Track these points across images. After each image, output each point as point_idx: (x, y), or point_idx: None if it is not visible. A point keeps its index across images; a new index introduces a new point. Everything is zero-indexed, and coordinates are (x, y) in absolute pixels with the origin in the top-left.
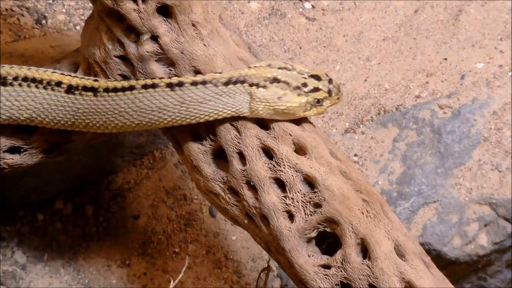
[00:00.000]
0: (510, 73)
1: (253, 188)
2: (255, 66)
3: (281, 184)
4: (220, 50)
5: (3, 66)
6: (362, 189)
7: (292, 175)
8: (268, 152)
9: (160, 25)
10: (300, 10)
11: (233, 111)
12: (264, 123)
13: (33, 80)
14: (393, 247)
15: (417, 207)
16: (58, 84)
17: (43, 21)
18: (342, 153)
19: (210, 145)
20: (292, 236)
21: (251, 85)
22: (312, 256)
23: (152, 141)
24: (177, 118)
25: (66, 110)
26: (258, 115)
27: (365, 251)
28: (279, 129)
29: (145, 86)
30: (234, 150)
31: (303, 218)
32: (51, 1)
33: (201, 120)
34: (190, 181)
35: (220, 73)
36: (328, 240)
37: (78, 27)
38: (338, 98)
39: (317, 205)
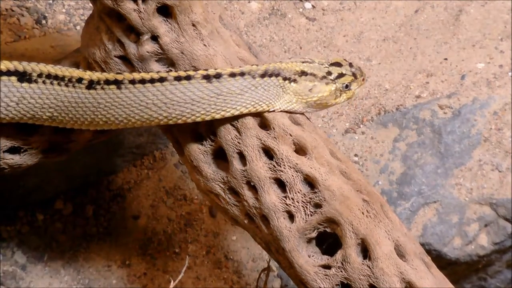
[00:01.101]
0: (510, 73)
1: (253, 188)
2: (281, 61)
3: (281, 184)
4: (220, 50)
5: (28, 63)
6: (362, 189)
7: (292, 175)
8: (268, 152)
9: (160, 25)
10: (300, 10)
11: (266, 104)
12: (264, 123)
13: (56, 77)
14: (393, 247)
15: (417, 207)
16: (79, 80)
17: (43, 21)
18: (342, 153)
19: (210, 145)
20: (292, 236)
21: (284, 79)
22: (313, 256)
23: (152, 141)
24: (212, 111)
25: (86, 106)
26: (290, 109)
27: (365, 251)
28: (279, 129)
29: (178, 78)
30: (234, 150)
31: (303, 218)
32: (51, 1)
33: (236, 113)
34: (190, 181)
35: (257, 65)
36: (328, 241)
37: (78, 27)
38: (363, 79)
39: (317, 205)
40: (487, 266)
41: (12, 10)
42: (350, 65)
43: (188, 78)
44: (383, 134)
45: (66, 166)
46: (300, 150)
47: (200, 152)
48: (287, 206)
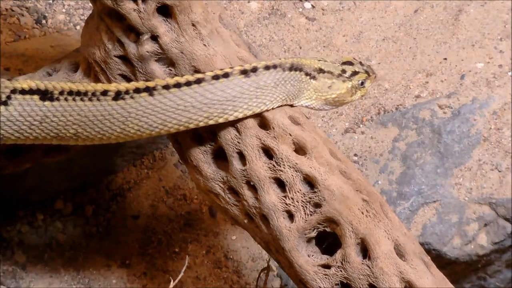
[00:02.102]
0: (510, 73)
1: (253, 188)
2: (300, 58)
3: (281, 184)
4: (220, 50)
5: (50, 82)
6: (362, 189)
7: (292, 175)
8: (268, 152)
9: (160, 25)
10: (300, 10)
11: (290, 98)
12: (264, 123)
13: (78, 93)
14: (393, 247)
15: (417, 207)
16: (104, 93)
17: (43, 21)
18: (342, 153)
19: (210, 145)
20: (292, 236)
21: (306, 74)
22: (312, 256)
23: (152, 141)
24: (254, 105)
25: (115, 118)
26: (308, 106)
27: (365, 251)
28: (279, 129)
29: (216, 77)
30: (234, 150)
31: (303, 218)
32: (51, 1)
33: (271, 107)
34: (190, 181)
35: (284, 59)
36: (328, 240)
37: (78, 27)
38: (375, 76)
39: (317, 205)
40: (486, 265)
41: (12, 10)
42: (361, 63)
43: (226, 75)
44: (382, 133)
45: (66, 166)
46: (300, 149)
47: (200, 151)
48: (286, 206)
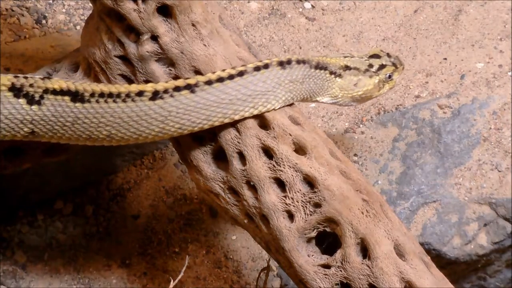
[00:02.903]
0: (509, 73)
1: (253, 188)
2: (326, 56)
3: (281, 184)
4: (220, 50)
5: (81, 83)
6: (362, 189)
7: (292, 175)
8: (268, 152)
9: (160, 25)
10: (300, 10)
11: (311, 95)
12: (264, 123)
13: (110, 95)
14: (393, 247)
15: (417, 206)
16: (140, 94)
17: (43, 21)
18: (342, 153)
19: (210, 145)
20: (292, 236)
21: (330, 73)
22: (312, 255)
23: None
24: (288, 97)
25: (152, 118)
26: (333, 103)
27: (365, 250)
28: (279, 129)
29: (257, 68)
30: (234, 150)
31: (303, 218)
32: (51, 1)
33: (296, 101)
34: (190, 181)
35: (308, 56)
36: (328, 240)
37: (78, 27)
38: (403, 68)
39: (317, 205)
40: (486, 265)
41: (12, 10)
42: (388, 55)
43: (266, 66)
44: (382, 133)
45: (66, 166)
46: (300, 149)
47: (200, 151)
48: (286, 206)
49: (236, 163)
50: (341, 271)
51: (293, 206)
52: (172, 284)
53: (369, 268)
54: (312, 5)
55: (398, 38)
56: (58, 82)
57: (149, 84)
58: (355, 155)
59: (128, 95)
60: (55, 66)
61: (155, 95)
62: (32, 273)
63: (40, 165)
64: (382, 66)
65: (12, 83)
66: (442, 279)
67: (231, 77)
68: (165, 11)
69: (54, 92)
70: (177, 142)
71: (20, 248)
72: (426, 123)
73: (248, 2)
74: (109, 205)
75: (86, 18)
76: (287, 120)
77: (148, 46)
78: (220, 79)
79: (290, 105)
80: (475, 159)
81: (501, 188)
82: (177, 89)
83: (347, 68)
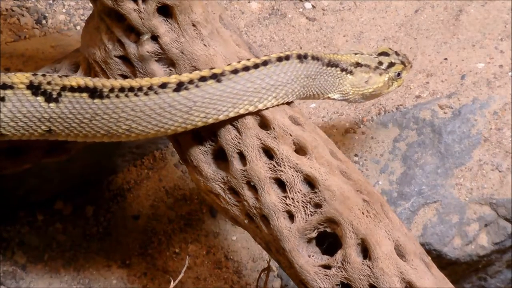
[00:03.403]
0: (510, 73)
1: (253, 188)
2: (336, 53)
3: (281, 184)
4: (220, 50)
5: (99, 79)
6: (362, 189)
7: (293, 175)
8: (269, 152)
9: (160, 25)
10: (301, 10)
11: (322, 92)
12: (264, 123)
13: (131, 89)
14: (393, 247)
15: (418, 207)
16: (163, 86)
17: (43, 21)
18: (342, 153)
19: (211, 145)
20: (293, 236)
21: (342, 70)
22: (313, 256)
23: (152, 141)
24: (300, 92)
25: (177, 109)
26: (343, 99)
27: (365, 251)
28: (279, 129)
29: (280, 59)
30: (234, 150)
31: (303, 218)
32: (51, 1)
33: (308, 96)
34: (190, 181)
35: (320, 53)
36: (328, 240)
37: (78, 27)
38: (411, 66)
39: (318, 205)
40: (487, 266)
41: (12, 10)
42: (396, 53)
43: (287, 58)
44: (383, 134)
45: (66, 166)
46: (300, 150)
47: (200, 152)
48: (287, 206)
49: (236, 164)
50: (341, 271)
51: (294, 206)
52: (172, 284)
53: (370, 268)
54: (312, 5)
55: (399, 38)
56: (75, 79)
57: (173, 76)
58: (356, 155)
59: (150, 88)
60: (55, 66)
61: (179, 86)
62: (32, 273)
63: (40, 165)
64: (391, 64)
65: (30, 81)
66: (443, 280)
67: (256, 66)
68: (166, 11)
69: (72, 89)
70: (177, 142)
71: (20, 249)
72: (427, 123)
73: (249, 2)
74: (109, 205)
75: (86, 18)
76: (287, 120)
77: (148, 46)
78: (246, 68)
79: (290, 104)
80: (476, 159)
81: (501, 189)
82: (202, 79)
83: (358, 65)
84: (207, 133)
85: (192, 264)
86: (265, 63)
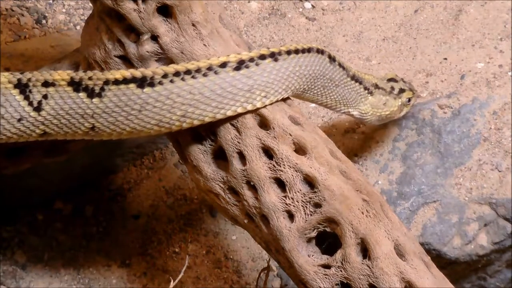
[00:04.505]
0: (510, 73)
1: (253, 188)
2: (359, 71)
3: (281, 184)
4: (220, 50)
5: (145, 68)
6: (362, 189)
7: (292, 175)
8: (268, 152)
9: (160, 25)
10: (300, 10)
11: (344, 105)
12: (264, 123)
13: (187, 72)
14: (393, 247)
15: (417, 207)
16: (223, 65)
17: (43, 21)
18: (342, 153)
19: (210, 145)
20: (292, 236)
21: (364, 88)
22: (312, 256)
23: (152, 140)
24: (322, 92)
25: (238, 88)
26: (359, 118)
27: (365, 251)
28: (279, 129)
29: (319, 51)
30: (234, 150)
31: (303, 218)
32: (51, 1)
33: (331, 107)
34: (190, 181)
35: (346, 65)
36: (328, 240)
37: (78, 27)
38: (418, 95)
39: (317, 205)
40: (486, 265)
41: (12, 10)
42: (403, 80)
43: (320, 51)
44: (382, 133)
45: (66, 166)
46: (300, 149)
47: (200, 151)
48: (287, 206)
49: (236, 163)
50: (341, 271)
51: (293, 206)
52: (172, 284)
53: (369, 268)
54: (312, 5)
55: (398, 38)
56: (119, 71)
57: (232, 55)
58: (355, 155)
59: (209, 68)
60: (55, 66)
61: (240, 64)
62: (32, 273)
63: (40, 165)
64: (402, 90)
65: (71, 77)
66: (442, 279)
67: (303, 51)
68: (165, 11)
69: (116, 82)
70: (177, 142)
71: (20, 248)
72: (426, 123)
73: (248, 2)
74: (109, 205)
75: (86, 18)
76: (287, 120)
77: (148, 46)
78: (296, 51)
79: (289, 104)
80: (475, 159)
81: (501, 188)
82: (262, 57)
83: (377, 86)
84: (207, 133)
85: (192, 263)
86: (309, 49)
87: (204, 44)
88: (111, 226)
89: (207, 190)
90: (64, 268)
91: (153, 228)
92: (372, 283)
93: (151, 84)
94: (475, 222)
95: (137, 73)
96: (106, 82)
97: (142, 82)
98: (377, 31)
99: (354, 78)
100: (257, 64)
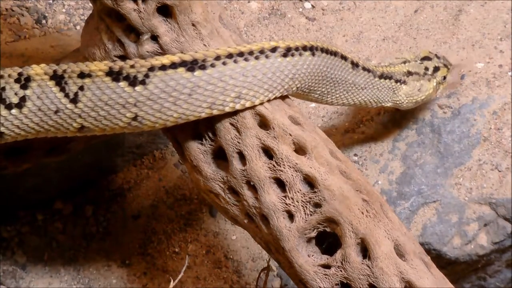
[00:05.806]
0: (510, 73)
1: (253, 188)
2: (388, 65)
3: (281, 184)
4: None
5: (195, 52)
6: (362, 189)
7: (292, 175)
8: (268, 152)
9: (160, 25)
10: (300, 10)
11: (375, 102)
12: (264, 123)
13: (240, 54)
14: (393, 247)
15: (417, 207)
16: (274, 50)
17: (43, 21)
18: (342, 153)
19: (210, 145)
20: (292, 236)
21: (396, 81)
22: (312, 256)
23: (152, 141)
24: (344, 95)
25: (284, 74)
26: (396, 107)
27: (365, 251)
28: (279, 129)
29: (345, 59)
30: (234, 150)
31: (303, 218)
32: (51, 1)
33: (356, 103)
34: (190, 181)
35: (375, 66)
36: (328, 240)
37: (78, 27)
38: (452, 67)
39: (317, 205)
40: (486, 265)
41: (12, 10)
42: (437, 56)
43: (345, 58)
44: (382, 133)
45: (66, 166)
46: (300, 149)
47: (200, 151)
48: (286, 206)
49: (236, 163)
50: (341, 271)
51: (293, 206)
52: (172, 284)
53: (369, 268)
54: (312, 5)
55: (398, 38)
56: (166, 56)
57: (281, 41)
58: (355, 155)
59: (262, 51)
60: None
61: (287, 51)
62: (32, 273)
63: (40, 165)
64: (436, 68)
65: (110, 67)
66: (442, 279)
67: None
68: (165, 11)
69: (163, 67)
70: (177, 142)
71: (20, 248)
72: (426, 123)
73: (248, 2)
74: (109, 205)
75: (86, 18)
76: (287, 120)
77: (148, 46)
78: (326, 51)
79: (289, 104)
80: (475, 159)
81: (501, 188)
82: (304, 48)
83: (409, 74)
84: (207, 133)
85: (191, 263)
86: (336, 53)
87: (204, 44)
88: (111, 226)
89: (207, 190)
90: (64, 268)
91: (153, 228)
92: (372, 283)
93: (203, 67)
94: (475, 222)
95: (187, 56)
96: (151, 69)
97: (192, 65)
98: (377, 31)
99: (383, 76)
100: (300, 55)
